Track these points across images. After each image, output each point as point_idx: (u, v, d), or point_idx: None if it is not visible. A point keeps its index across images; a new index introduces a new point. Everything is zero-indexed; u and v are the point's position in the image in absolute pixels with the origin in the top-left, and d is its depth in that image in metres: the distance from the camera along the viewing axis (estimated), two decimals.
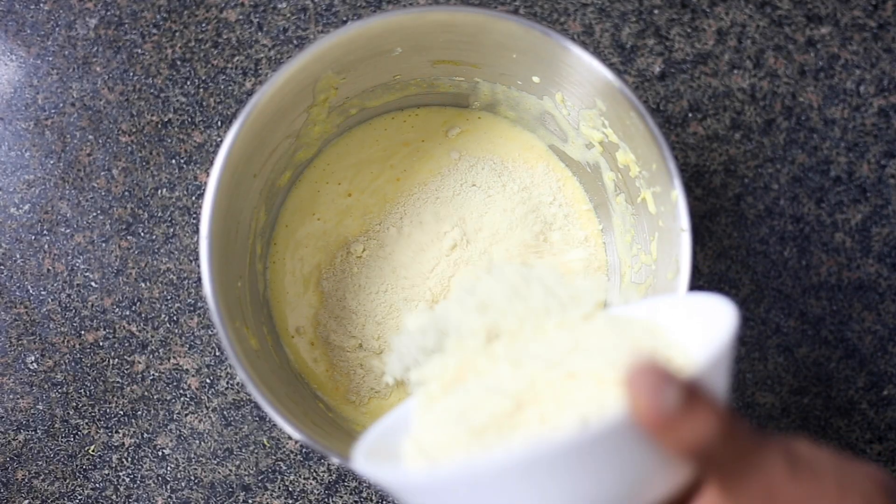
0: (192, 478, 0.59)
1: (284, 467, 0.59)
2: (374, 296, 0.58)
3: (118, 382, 0.60)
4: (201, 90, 0.62)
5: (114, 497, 0.59)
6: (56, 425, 0.60)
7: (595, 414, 0.30)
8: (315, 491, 0.59)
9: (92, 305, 0.60)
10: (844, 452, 0.31)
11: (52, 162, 0.62)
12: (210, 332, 0.60)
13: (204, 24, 0.62)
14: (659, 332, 0.37)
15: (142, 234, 0.61)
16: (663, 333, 0.37)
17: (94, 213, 0.61)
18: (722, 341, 0.31)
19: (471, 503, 0.30)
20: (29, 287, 0.61)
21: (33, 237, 0.61)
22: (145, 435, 0.60)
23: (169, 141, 0.62)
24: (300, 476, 0.59)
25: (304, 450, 0.60)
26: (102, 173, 0.61)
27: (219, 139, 0.62)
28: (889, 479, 0.32)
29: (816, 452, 0.31)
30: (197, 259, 0.61)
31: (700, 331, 0.36)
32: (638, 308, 0.40)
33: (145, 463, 0.59)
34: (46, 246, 0.61)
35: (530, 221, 0.59)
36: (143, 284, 0.61)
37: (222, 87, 0.62)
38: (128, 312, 0.60)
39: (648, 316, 0.39)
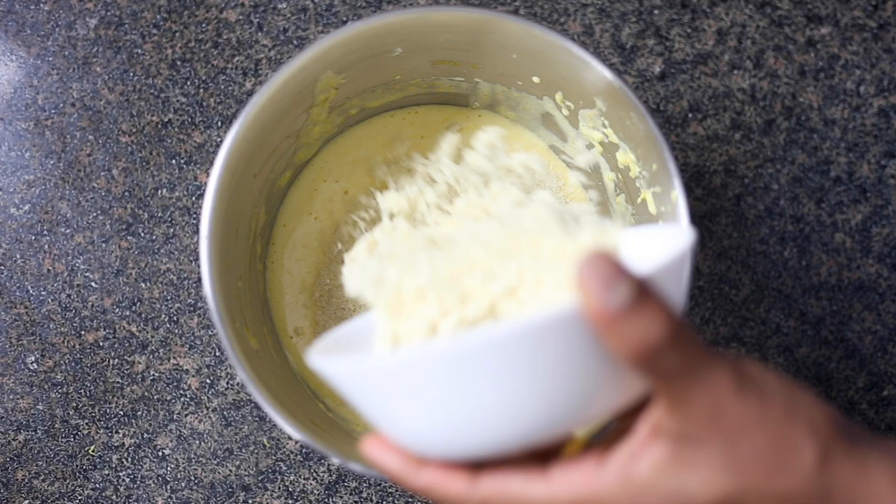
0: (192, 478, 0.59)
1: (284, 467, 0.59)
2: None
3: (118, 382, 0.60)
4: (201, 90, 0.62)
5: (114, 497, 0.59)
6: (56, 425, 0.60)
7: (547, 307, 0.30)
8: (315, 491, 0.59)
9: (92, 306, 0.60)
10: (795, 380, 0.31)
11: (52, 162, 0.62)
12: (210, 333, 0.60)
13: (204, 25, 0.62)
14: (612, 239, 0.37)
15: (142, 234, 0.61)
16: (615, 240, 0.37)
17: (94, 214, 0.61)
18: (675, 252, 0.31)
19: (428, 388, 0.30)
20: (29, 287, 0.61)
21: (33, 237, 0.61)
22: (145, 435, 0.60)
23: (169, 141, 0.62)
24: (300, 476, 0.59)
25: (304, 450, 0.60)
26: (102, 173, 0.61)
27: (219, 139, 0.62)
28: (835, 411, 0.31)
29: (766, 374, 0.30)
30: (197, 259, 0.61)
31: (655, 246, 0.36)
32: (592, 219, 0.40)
33: (145, 463, 0.59)
34: (46, 246, 0.61)
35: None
36: (143, 285, 0.61)
37: (222, 87, 0.62)
38: (128, 312, 0.60)
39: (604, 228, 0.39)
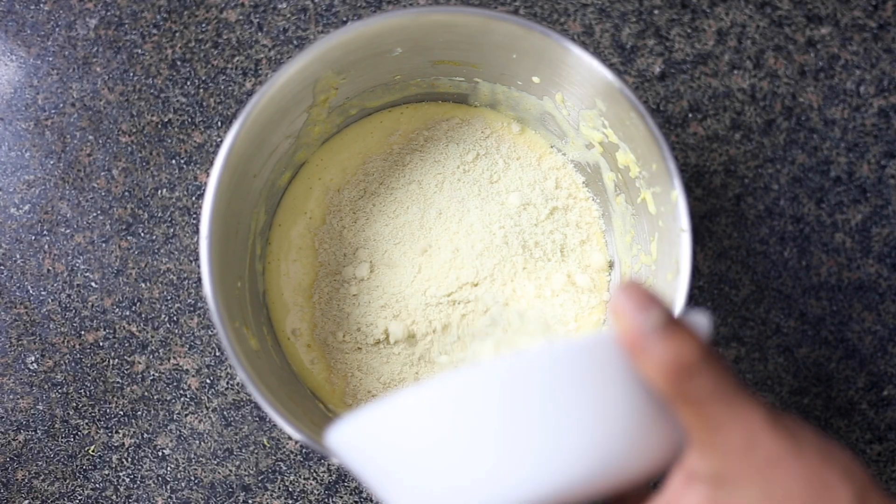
0: (192, 478, 0.59)
1: (284, 467, 0.59)
2: (371, 294, 0.58)
3: (118, 383, 0.60)
4: (201, 90, 0.62)
5: (114, 497, 0.59)
6: (56, 425, 0.60)
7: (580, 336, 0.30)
8: (315, 491, 0.59)
9: (92, 306, 0.60)
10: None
11: (52, 162, 0.62)
12: (210, 333, 0.60)
13: (204, 25, 0.62)
14: None
15: (142, 234, 0.61)
16: None
17: (94, 214, 0.61)
18: (699, 319, 0.31)
19: (453, 422, 0.28)
20: (29, 287, 0.61)
21: (33, 237, 0.61)
22: (145, 435, 0.60)
23: (169, 141, 0.62)
24: (300, 476, 0.59)
25: (304, 450, 0.60)
26: (102, 173, 0.61)
27: (219, 139, 0.62)
28: (863, 465, 0.31)
29: (799, 420, 0.30)
30: (197, 259, 0.61)
31: None
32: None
33: (145, 463, 0.59)
34: (46, 246, 0.61)
35: (531, 219, 0.59)
36: (143, 285, 0.61)
37: (222, 87, 0.62)
38: (128, 313, 0.60)
39: None
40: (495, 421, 0.27)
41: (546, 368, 0.27)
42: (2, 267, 0.61)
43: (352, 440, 0.30)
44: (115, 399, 0.60)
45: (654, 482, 0.33)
